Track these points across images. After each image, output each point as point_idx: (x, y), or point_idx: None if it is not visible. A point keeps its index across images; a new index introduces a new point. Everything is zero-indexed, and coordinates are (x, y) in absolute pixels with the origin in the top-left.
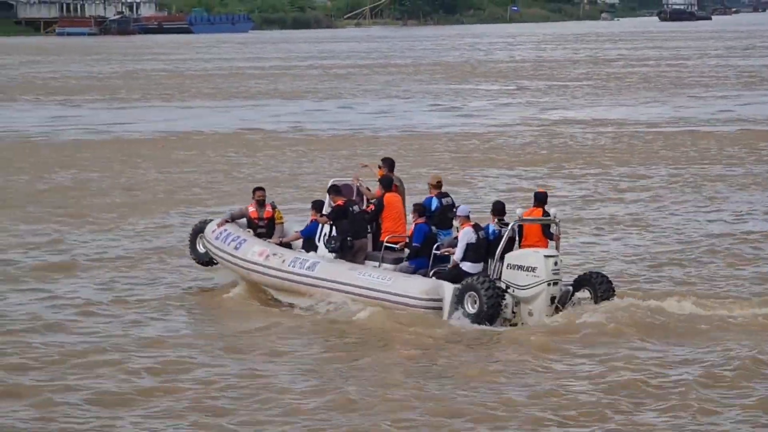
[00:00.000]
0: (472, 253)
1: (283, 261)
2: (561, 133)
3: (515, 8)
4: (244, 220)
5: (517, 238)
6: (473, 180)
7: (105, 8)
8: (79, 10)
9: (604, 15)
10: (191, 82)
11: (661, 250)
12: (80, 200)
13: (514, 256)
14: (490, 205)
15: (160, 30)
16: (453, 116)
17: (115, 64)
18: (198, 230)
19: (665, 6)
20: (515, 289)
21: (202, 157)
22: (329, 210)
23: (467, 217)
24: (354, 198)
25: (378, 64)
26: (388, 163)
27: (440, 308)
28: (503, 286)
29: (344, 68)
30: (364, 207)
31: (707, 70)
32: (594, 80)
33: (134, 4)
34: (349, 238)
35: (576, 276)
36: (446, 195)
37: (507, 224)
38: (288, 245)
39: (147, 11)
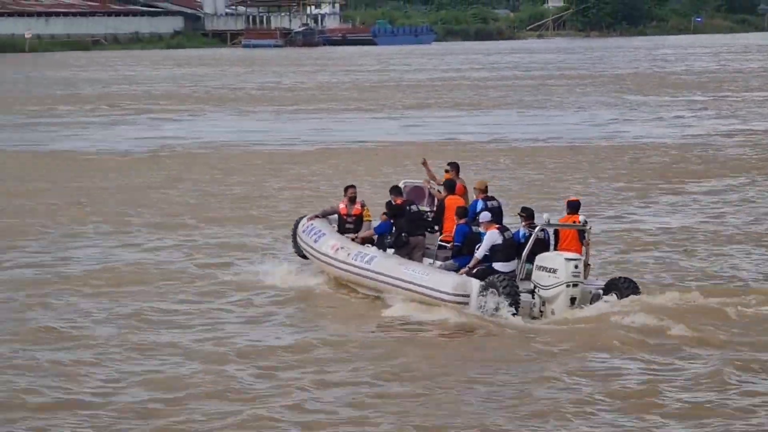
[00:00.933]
0: (500, 253)
1: (348, 255)
2: None
3: (699, 19)
4: (336, 216)
5: (552, 242)
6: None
7: (290, 20)
8: (264, 22)
9: None
10: (393, 93)
11: None
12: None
13: (541, 258)
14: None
15: (344, 42)
16: (660, 127)
17: (332, 75)
18: (297, 225)
19: None
20: (540, 289)
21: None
22: (388, 209)
23: (490, 222)
24: (426, 199)
25: (571, 75)
26: (455, 167)
27: (467, 303)
28: (531, 285)
29: (537, 79)
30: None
31: None
32: None
33: (319, 16)
34: (404, 235)
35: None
36: (492, 198)
37: (541, 228)
38: (369, 240)
39: (331, 23)
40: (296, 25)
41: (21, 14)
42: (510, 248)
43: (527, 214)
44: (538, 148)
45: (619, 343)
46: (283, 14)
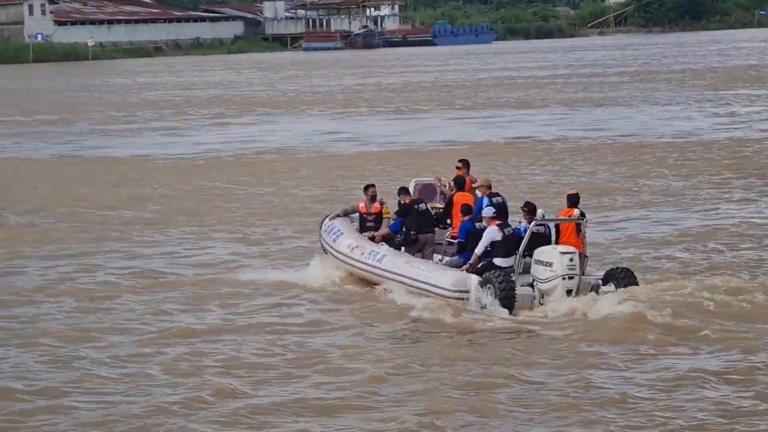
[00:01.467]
0: (500, 249)
1: (362, 253)
2: None
3: (762, 12)
4: (357, 215)
5: (554, 237)
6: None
7: (350, 23)
8: (324, 25)
9: None
10: (484, 92)
11: None
12: None
13: (538, 252)
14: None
15: (404, 43)
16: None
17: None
18: (322, 224)
19: None
20: (538, 282)
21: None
22: (398, 208)
23: (492, 218)
24: (438, 196)
25: (642, 71)
26: (466, 164)
27: (467, 298)
28: (531, 279)
29: (609, 77)
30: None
31: None
32: None
33: (378, 18)
34: (413, 233)
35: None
36: (497, 195)
37: (541, 223)
38: (388, 238)
39: (391, 25)
40: (356, 28)
41: (83, 22)
42: (510, 244)
43: (529, 209)
44: (626, 145)
45: (611, 335)
46: (342, 17)
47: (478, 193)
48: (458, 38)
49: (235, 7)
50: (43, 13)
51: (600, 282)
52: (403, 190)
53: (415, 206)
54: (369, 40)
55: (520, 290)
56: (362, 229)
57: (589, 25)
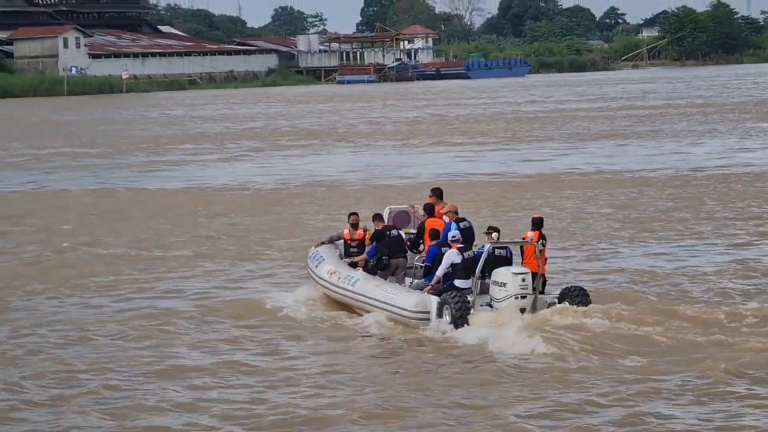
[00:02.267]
0: (460, 271)
1: (339, 278)
2: None
3: None
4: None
5: (521, 258)
6: None
7: (383, 56)
8: (358, 58)
9: None
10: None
11: None
12: None
13: (495, 274)
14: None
15: (437, 76)
16: None
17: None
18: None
19: None
20: (494, 302)
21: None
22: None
23: (456, 241)
24: (411, 222)
25: (688, 104)
26: (436, 193)
27: (428, 319)
28: (489, 299)
29: (649, 109)
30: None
31: None
32: None
33: (412, 51)
34: (385, 258)
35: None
36: (464, 220)
37: (501, 245)
38: (365, 263)
39: (425, 58)
40: (390, 61)
41: (117, 55)
42: (470, 266)
43: (491, 232)
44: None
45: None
46: (376, 50)
47: (446, 218)
48: (492, 71)
49: (269, 41)
50: (78, 46)
51: (556, 300)
52: (377, 217)
53: (388, 232)
54: (402, 73)
55: (480, 309)
56: (347, 254)
57: (622, 59)
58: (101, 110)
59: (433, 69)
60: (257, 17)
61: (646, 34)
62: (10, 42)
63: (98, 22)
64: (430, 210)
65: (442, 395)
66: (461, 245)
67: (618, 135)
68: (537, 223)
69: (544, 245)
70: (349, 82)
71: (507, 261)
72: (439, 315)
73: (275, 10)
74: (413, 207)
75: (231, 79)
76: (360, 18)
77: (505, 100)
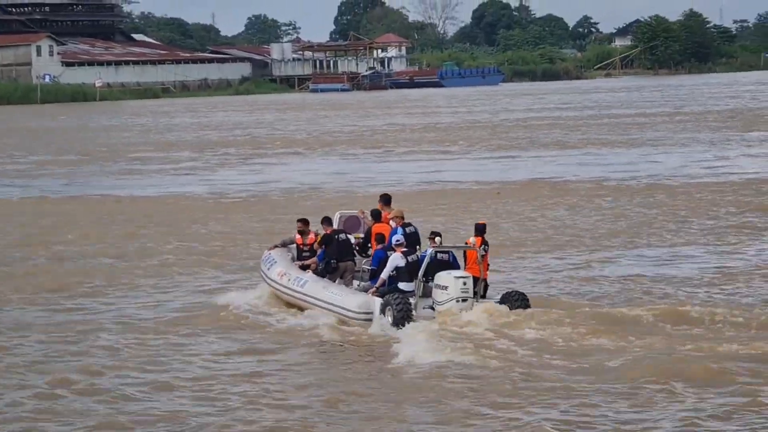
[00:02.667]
0: (404, 275)
1: (289, 280)
2: None
3: None
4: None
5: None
6: None
7: (357, 64)
8: (332, 66)
9: None
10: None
11: None
12: None
13: (437, 277)
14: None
15: (411, 84)
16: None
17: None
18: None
19: None
20: (436, 304)
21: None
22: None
23: (400, 245)
24: (361, 227)
25: (661, 113)
26: (384, 199)
27: (371, 320)
28: (431, 301)
29: (629, 117)
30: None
31: None
32: None
33: (386, 59)
34: (333, 261)
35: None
36: (409, 224)
37: (444, 250)
38: (315, 266)
39: (398, 66)
40: (363, 69)
41: (91, 63)
42: (413, 270)
43: (434, 237)
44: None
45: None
46: (350, 58)
47: (392, 223)
48: (465, 80)
49: (243, 49)
50: (51, 54)
51: (498, 304)
52: (326, 221)
53: (336, 236)
54: (376, 81)
55: (422, 312)
56: (299, 258)
57: (595, 68)
58: (76, 117)
59: (407, 77)
60: (231, 26)
61: (618, 43)
62: None
63: (72, 30)
64: (377, 215)
65: (350, 402)
66: (405, 249)
67: (592, 143)
68: (480, 229)
69: (486, 251)
70: (322, 90)
71: (451, 265)
72: (382, 314)
73: (249, 18)
74: (362, 212)
75: (204, 87)
76: (333, 26)
77: (482, 108)
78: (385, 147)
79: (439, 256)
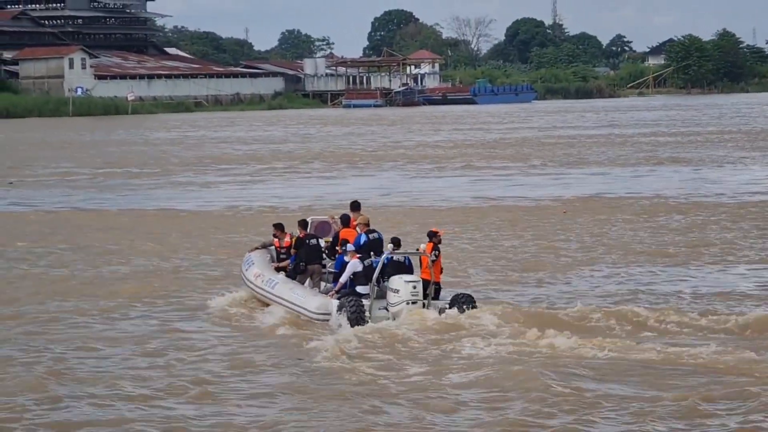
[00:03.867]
0: (361, 278)
1: (263, 281)
2: None
3: None
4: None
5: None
6: None
7: (390, 80)
8: (364, 82)
9: None
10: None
11: None
12: None
13: (390, 281)
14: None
15: (444, 101)
16: None
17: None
18: None
19: None
20: (389, 306)
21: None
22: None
23: (355, 252)
24: (331, 232)
25: (704, 132)
26: (353, 205)
27: (329, 320)
28: (385, 303)
29: (667, 136)
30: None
31: None
32: None
33: (419, 75)
34: (302, 263)
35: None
36: (373, 231)
37: (400, 255)
38: (282, 269)
39: (431, 83)
40: (396, 85)
41: (123, 77)
42: (370, 274)
43: (394, 243)
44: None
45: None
46: (383, 74)
47: (358, 229)
48: (498, 97)
49: (276, 64)
50: (84, 67)
51: (447, 306)
52: (302, 224)
53: (307, 241)
54: (409, 97)
55: (377, 313)
56: (277, 259)
57: (628, 86)
58: (105, 131)
59: (440, 94)
60: (264, 40)
61: (652, 61)
62: (15, 62)
63: (104, 44)
64: (345, 221)
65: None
66: (359, 255)
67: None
68: (431, 236)
69: (437, 256)
70: (355, 106)
71: (406, 269)
72: (338, 315)
73: (282, 33)
74: (332, 218)
75: (237, 102)
76: (367, 42)
77: (528, 126)
78: (459, 162)
79: (393, 259)
